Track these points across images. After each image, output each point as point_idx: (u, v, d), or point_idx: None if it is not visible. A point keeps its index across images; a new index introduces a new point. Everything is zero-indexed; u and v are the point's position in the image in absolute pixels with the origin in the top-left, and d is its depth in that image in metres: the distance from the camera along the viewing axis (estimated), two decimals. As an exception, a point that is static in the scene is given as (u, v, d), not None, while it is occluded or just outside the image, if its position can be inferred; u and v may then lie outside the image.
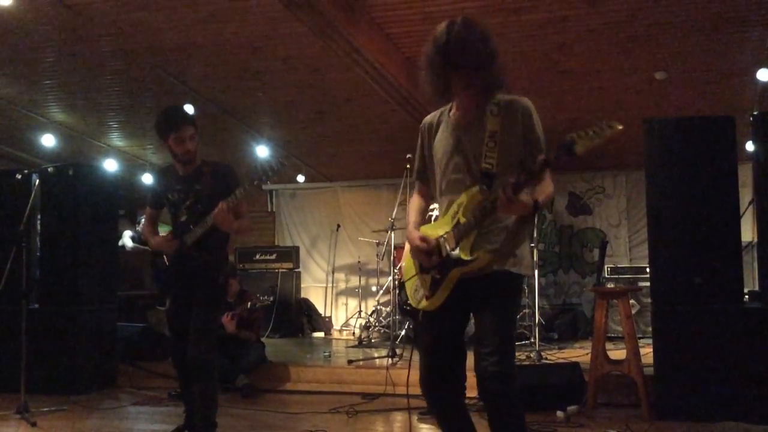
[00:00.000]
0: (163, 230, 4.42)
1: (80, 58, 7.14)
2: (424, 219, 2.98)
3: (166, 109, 4.13)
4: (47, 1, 5.94)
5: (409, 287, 2.92)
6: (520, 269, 2.74)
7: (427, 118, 2.97)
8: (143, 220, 4.52)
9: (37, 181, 5.81)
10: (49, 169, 6.27)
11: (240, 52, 6.88)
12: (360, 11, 6.05)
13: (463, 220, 2.68)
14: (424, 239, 2.78)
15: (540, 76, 7.22)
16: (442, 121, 2.89)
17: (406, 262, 2.95)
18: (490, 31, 2.70)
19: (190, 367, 3.92)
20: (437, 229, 2.80)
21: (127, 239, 9.15)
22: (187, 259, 4.01)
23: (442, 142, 2.85)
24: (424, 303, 2.82)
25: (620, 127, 2.35)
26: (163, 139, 4.00)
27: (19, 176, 5.99)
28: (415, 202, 3.05)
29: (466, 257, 2.66)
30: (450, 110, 2.87)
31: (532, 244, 6.76)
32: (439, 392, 2.84)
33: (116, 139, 9.83)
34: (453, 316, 2.78)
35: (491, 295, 2.69)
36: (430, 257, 2.76)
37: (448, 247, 2.72)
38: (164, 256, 4.15)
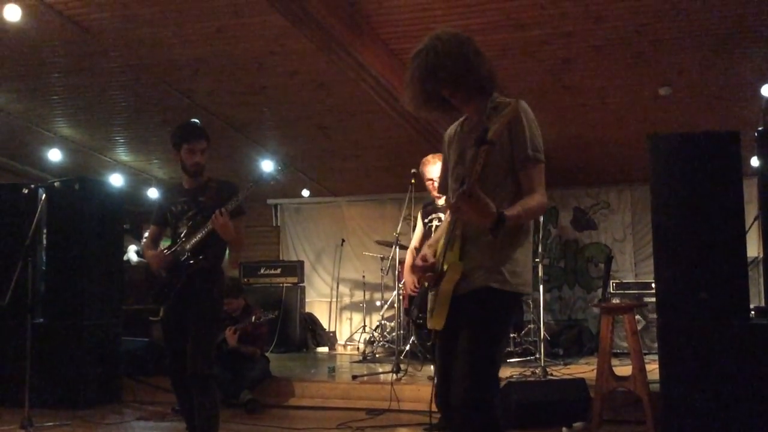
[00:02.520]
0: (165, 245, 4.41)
1: (87, 74, 7.19)
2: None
3: (184, 123, 4.31)
4: (56, 17, 6.00)
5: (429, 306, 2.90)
6: (506, 286, 2.59)
7: (448, 130, 2.92)
8: (146, 235, 4.49)
9: (44, 195, 5.84)
10: (56, 184, 6.31)
11: (246, 67, 6.93)
12: (365, 28, 6.09)
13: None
14: (423, 258, 2.76)
15: (544, 91, 7.24)
16: (457, 132, 2.84)
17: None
18: (461, 40, 2.62)
19: (189, 382, 3.89)
20: (440, 244, 2.79)
21: (131, 253, 9.16)
22: (183, 267, 3.98)
23: (452, 153, 2.83)
24: (429, 321, 2.82)
25: (515, 103, 2.38)
26: (176, 148, 4.06)
27: (25, 190, 6.02)
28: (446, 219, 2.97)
29: (444, 267, 2.62)
30: (464, 120, 2.84)
31: (537, 259, 6.78)
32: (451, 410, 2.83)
33: (122, 154, 9.87)
34: (456, 337, 2.70)
35: (470, 313, 2.59)
36: (425, 272, 2.74)
37: (441, 262, 2.69)
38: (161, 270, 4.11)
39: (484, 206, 2.35)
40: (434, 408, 2.94)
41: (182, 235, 4.04)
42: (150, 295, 4.24)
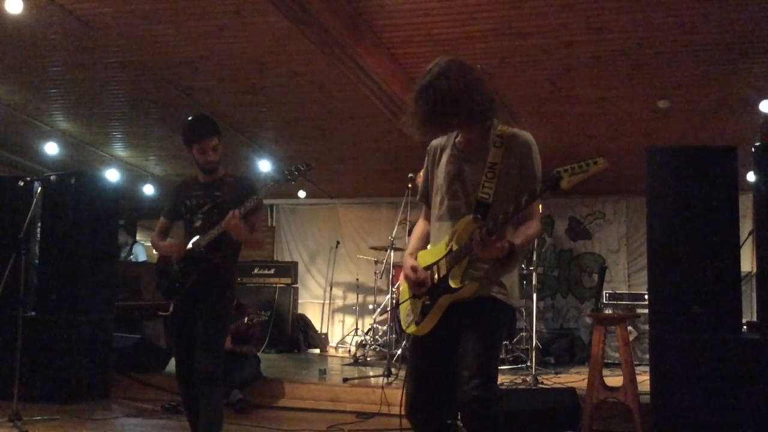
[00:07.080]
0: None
1: (87, 68, 7.19)
2: (425, 244, 2.98)
3: (194, 118, 4.19)
4: (57, 10, 5.99)
5: (403, 311, 2.94)
6: (507, 299, 2.77)
7: (435, 142, 3.01)
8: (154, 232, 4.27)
9: (39, 188, 5.81)
10: (52, 177, 6.28)
11: (246, 67, 6.92)
12: (367, 31, 6.10)
13: (455, 247, 2.72)
14: (414, 268, 2.82)
15: (543, 100, 7.26)
16: (447, 146, 2.92)
17: (403, 285, 2.97)
18: (467, 69, 2.72)
19: (198, 380, 3.79)
20: (431, 256, 2.83)
21: (140, 251, 9.15)
22: (198, 262, 3.91)
23: (444, 168, 2.88)
24: (413, 328, 2.85)
25: (605, 164, 2.44)
26: (187, 146, 4.02)
27: (21, 183, 6.00)
28: (419, 227, 3.07)
29: (454, 285, 2.70)
30: (457, 137, 2.90)
31: (531, 268, 6.78)
32: (424, 418, 2.83)
33: (119, 150, 9.86)
34: (442, 343, 2.78)
35: (475, 318, 2.70)
36: (420, 285, 2.80)
37: (439, 274, 2.75)
38: (173, 262, 4.03)
39: (500, 246, 2.60)
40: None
41: (197, 228, 3.96)
42: (160, 289, 4.10)
